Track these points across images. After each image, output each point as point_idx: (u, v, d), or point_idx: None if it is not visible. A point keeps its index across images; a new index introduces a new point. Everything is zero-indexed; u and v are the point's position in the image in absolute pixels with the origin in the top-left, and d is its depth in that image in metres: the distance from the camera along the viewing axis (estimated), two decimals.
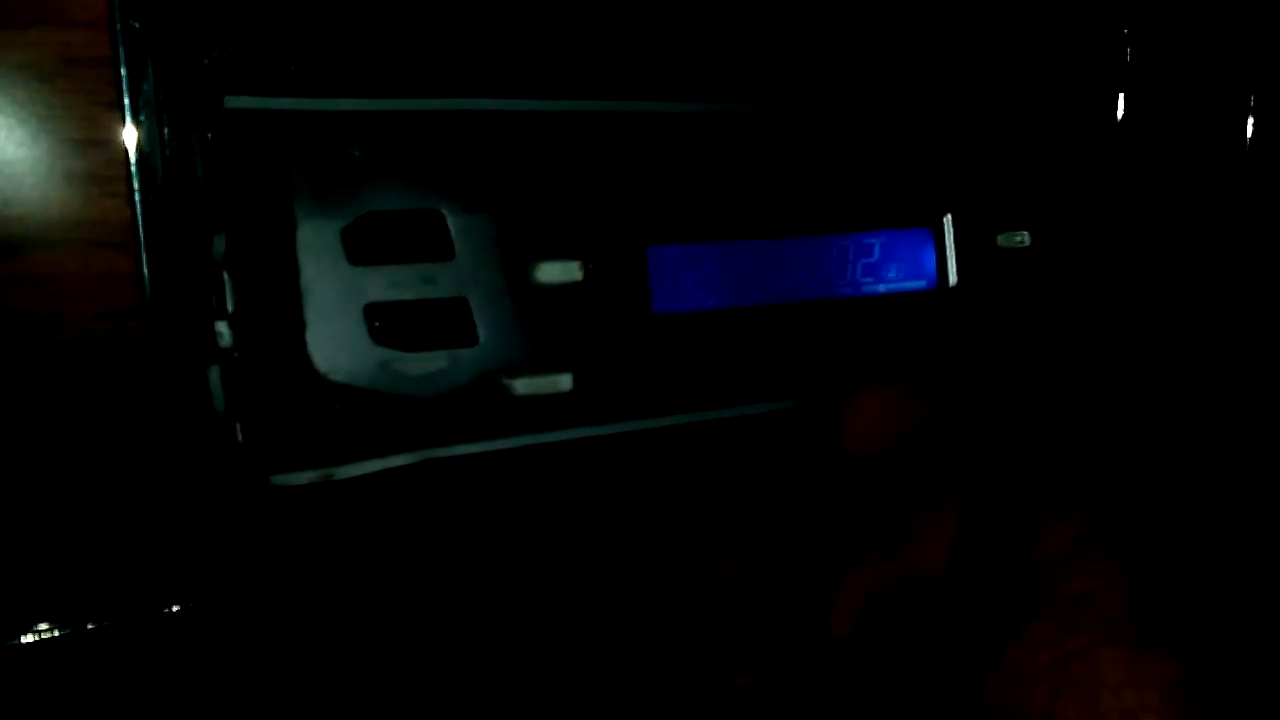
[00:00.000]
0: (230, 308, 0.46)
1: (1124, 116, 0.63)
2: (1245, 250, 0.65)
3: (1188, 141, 0.64)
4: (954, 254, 0.59)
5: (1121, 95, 0.63)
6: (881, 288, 0.57)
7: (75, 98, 0.46)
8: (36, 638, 0.46)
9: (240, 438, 0.47)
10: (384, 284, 0.47)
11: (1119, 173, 0.63)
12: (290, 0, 0.47)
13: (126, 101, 0.46)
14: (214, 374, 0.46)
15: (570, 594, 0.54)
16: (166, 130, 0.46)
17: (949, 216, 0.58)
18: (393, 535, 0.49)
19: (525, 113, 0.49)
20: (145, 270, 0.46)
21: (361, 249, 0.47)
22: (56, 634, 0.46)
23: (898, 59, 0.57)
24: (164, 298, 0.46)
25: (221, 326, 0.46)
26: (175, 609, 0.48)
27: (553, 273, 0.50)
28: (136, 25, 0.45)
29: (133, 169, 0.46)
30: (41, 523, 0.46)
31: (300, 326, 0.46)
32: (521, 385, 0.49)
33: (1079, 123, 0.62)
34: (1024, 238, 0.60)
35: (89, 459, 0.46)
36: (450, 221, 0.48)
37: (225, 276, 0.46)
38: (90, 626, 0.47)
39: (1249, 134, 0.65)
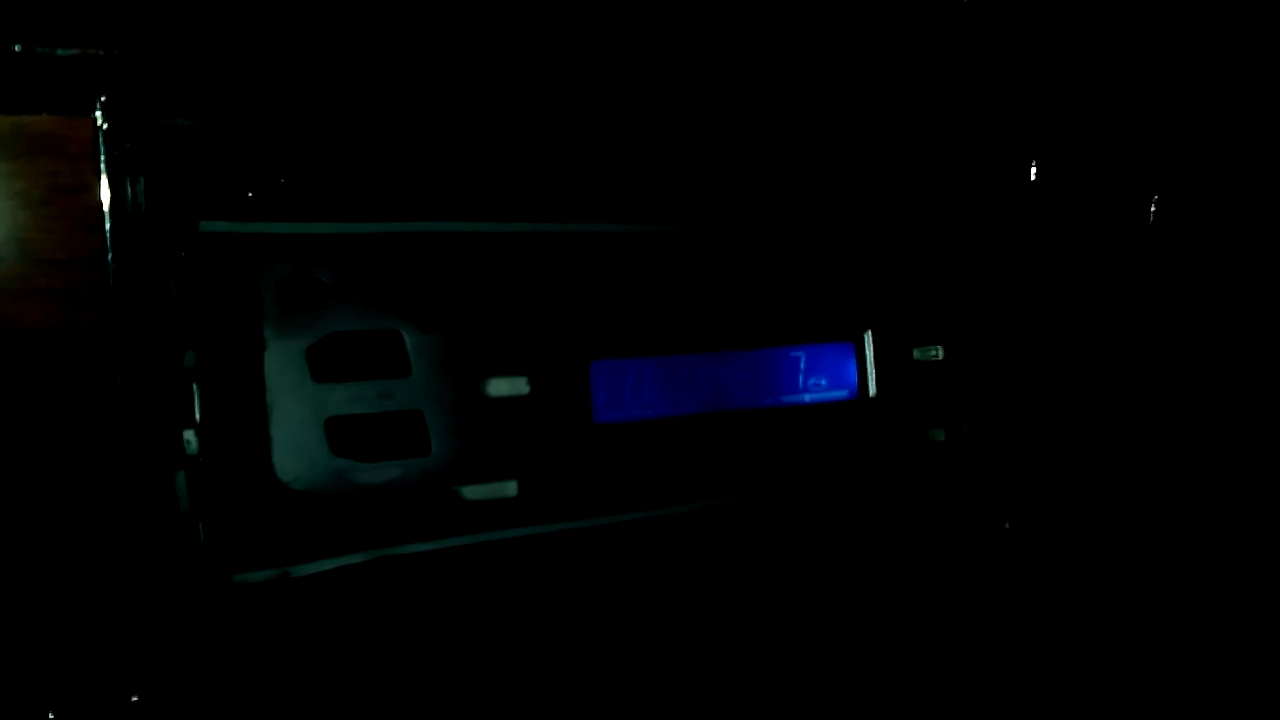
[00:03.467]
0: (197, 417, 0.49)
1: (1029, 240, 0.69)
2: (1146, 361, 0.71)
3: (1089, 262, 0.70)
4: (874, 366, 0.64)
5: (1028, 222, 0.69)
6: (807, 397, 0.62)
7: (60, 222, 0.49)
8: None
9: (202, 537, 0.50)
10: (345, 399, 0.51)
11: (1026, 292, 0.68)
12: (260, 133, 0.51)
13: (108, 226, 0.49)
14: (180, 478, 0.49)
15: (515, 681, 0.57)
16: (144, 252, 0.49)
17: (869, 332, 0.63)
18: (349, 629, 0.52)
19: (476, 234, 0.54)
20: (119, 381, 0.49)
21: (324, 367, 0.50)
22: None
23: (820, 188, 0.62)
24: (135, 407, 0.49)
25: (189, 434, 0.49)
26: (136, 699, 0.51)
27: (502, 387, 0.54)
28: (118, 156, 0.49)
29: (111, 287, 0.49)
30: (12, 616, 0.49)
31: (264, 437, 0.50)
32: (470, 492, 0.53)
33: (987, 247, 0.67)
34: (938, 351, 0.65)
35: (59, 554, 0.49)
36: (407, 341, 0.52)
37: (194, 388, 0.50)
38: (52, 716, 0.50)
39: (1146, 249, 0.71)
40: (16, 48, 0.43)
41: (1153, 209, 0.70)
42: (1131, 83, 0.69)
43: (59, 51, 0.44)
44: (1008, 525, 0.72)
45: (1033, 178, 0.68)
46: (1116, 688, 0.71)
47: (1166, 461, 0.72)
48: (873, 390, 0.64)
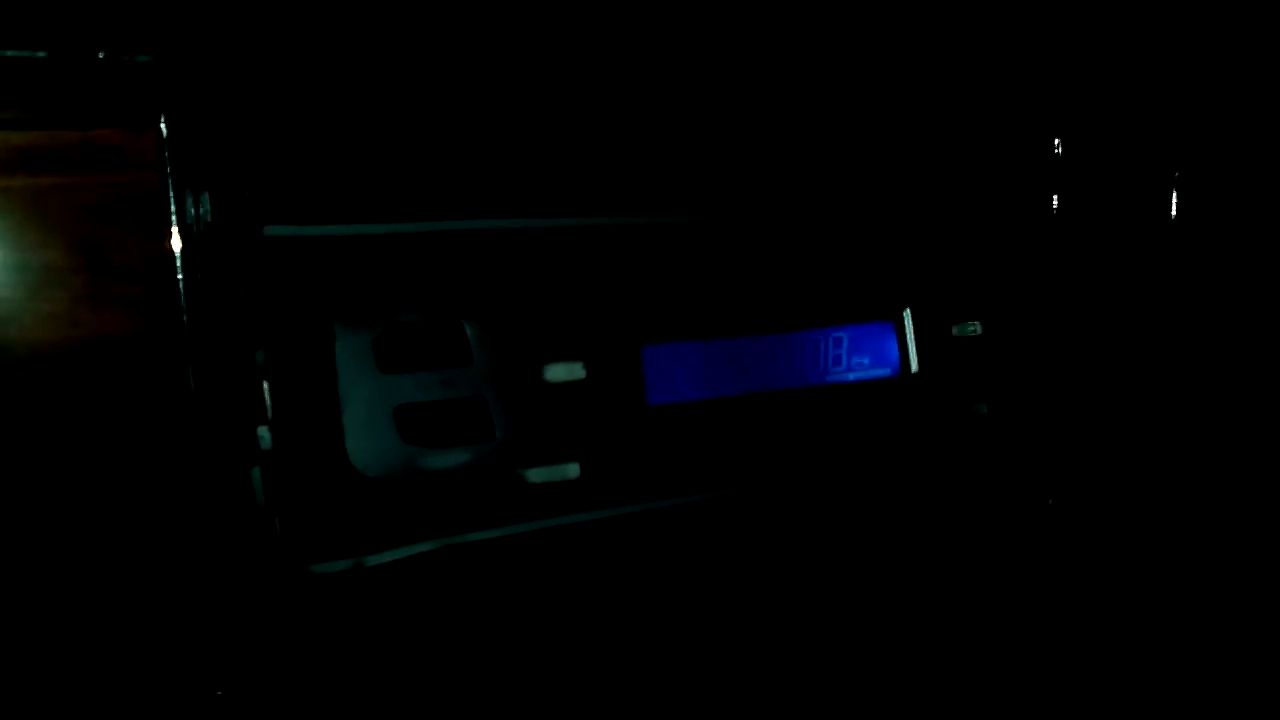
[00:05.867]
0: (270, 413, 0.51)
1: (1058, 214, 0.71)
2: (1171, 326, 0.72)
3: (1118, 231, 0.72)
4: (914, 344, 0.65)
5: (1055, 196, 0.71)
6: (850, 376, 0.63)
7: (131, 232, 0.51)
8: None
9: (279, 530, 0.51)
10: (411, 388, 0.52)
11: (1060, 263, 0.70)
12: (319, 138, 0.53)
13: (176, 232, 0.51)
14: (256, 473, 0.51)
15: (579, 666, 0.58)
16: (211, 257, 0.51)
17: (908, 310, 0.65)
18: (422, 615, 0.54)
19: (530, 229, 0.56)
20: (193, 382, 0.51)
21: (390, 358, 0.52)
22: None
23: (854, 174, 0.64)
24: (210, 406, 0.51)
25: (263, 430, 0.51)
26: (221, 693, 0.52)
27: (560, 373, 0.56)
28: (183, 166, 0.51)
29: (181, 292, 0.51)
30: (95, 612, 0.51)
31: (337, 427, 0.51)
32: (535, 475, 0.55)
33: (1021, 222, 0.69)
34: (976, 327, 0.67)
35: (142, 550, 0.51)
36: (468, 330, 0.54)
37: (265, 385, 0.51)
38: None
39: (1172, 217, 0.73)
40: (101, 54, 0.45)
41: (1178, 180, 0.72)
42: (1164, 56, 0.71)
43: (139, 58, 0.46)
44: (1050, 501, 0.73)
45: (1058, 151, 0.69)
46: (1157, 668, 0.72)
47: (1203, 435, 0.73)
48: (914, 367, 0.65)
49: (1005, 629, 0.69)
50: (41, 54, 0.45)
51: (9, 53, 0.44)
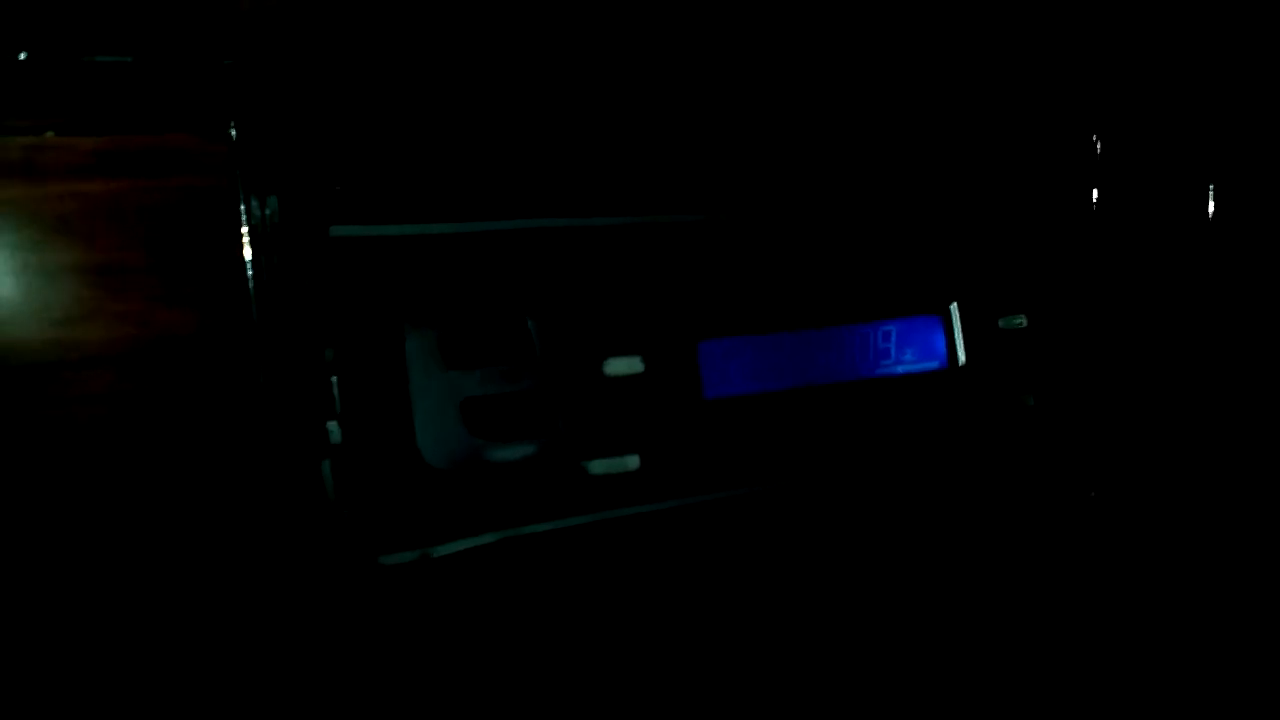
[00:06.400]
0: (339, 409, 0.52)
1: (1098, 208, 0.71)
2: (1210, 319, 0.73)
3: (1156, 225, 0.73)
4: (961, 337, 0.66)
5: (1095, 191, 0.72)
6: (899, 369, 0.64)
7: (201, 233, 0.52)
8: None
9: (349, 523, 0.53)
10: (476, 382, 0.54)
11: (1101, 257, 0.71)
12: (385, 138, 0.54)
13: (246, 231, 0.52)
14: (325, 466, 0.52)
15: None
16: (281, 257, 0.53)
17: (955, 304, 0.66)
18: (491, 605, 0.55)
19: (590, 227, 0.57)
20: (263, 379, 0.52)
21: (455, 354, 0.53)
22: None
23: (904, 173, 0.65)
24: (280, 403, 0.52)
25: (332, 425, 0.52)
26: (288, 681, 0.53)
27: (619, 367, 0.57)
28: (253, 169, 0.52)
29: (251, 291, 0.52)
30: (170, 605, 0.52)
31: (407, 422, 0.52)
32: (596, 467, 0.56)
33: (1063, 217, 0.70)
34: (1022, 320, 0.68)
35: (215, 544, 0.52)
36: (531, 326, 0.55)
37: (334, 381, 0.52)
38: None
39: (1210, 215, 0.74)
40: (185, 59, 0.46)
41: (1215, 175, 0.73)
42: (1199, 54, 0.71)
43: (225, 61, 0.47)
44: (1093, 494, 0.73)
45: (1097, 147, 0.70)
46: (1198, 659, 0.72)
47: (1247, 429, 0.74)
48: (962, 359, 0.66)
49: (1048, 619, 0.70)
50: (128, 59, 0.46)
51: (100, 58, 0.45)
